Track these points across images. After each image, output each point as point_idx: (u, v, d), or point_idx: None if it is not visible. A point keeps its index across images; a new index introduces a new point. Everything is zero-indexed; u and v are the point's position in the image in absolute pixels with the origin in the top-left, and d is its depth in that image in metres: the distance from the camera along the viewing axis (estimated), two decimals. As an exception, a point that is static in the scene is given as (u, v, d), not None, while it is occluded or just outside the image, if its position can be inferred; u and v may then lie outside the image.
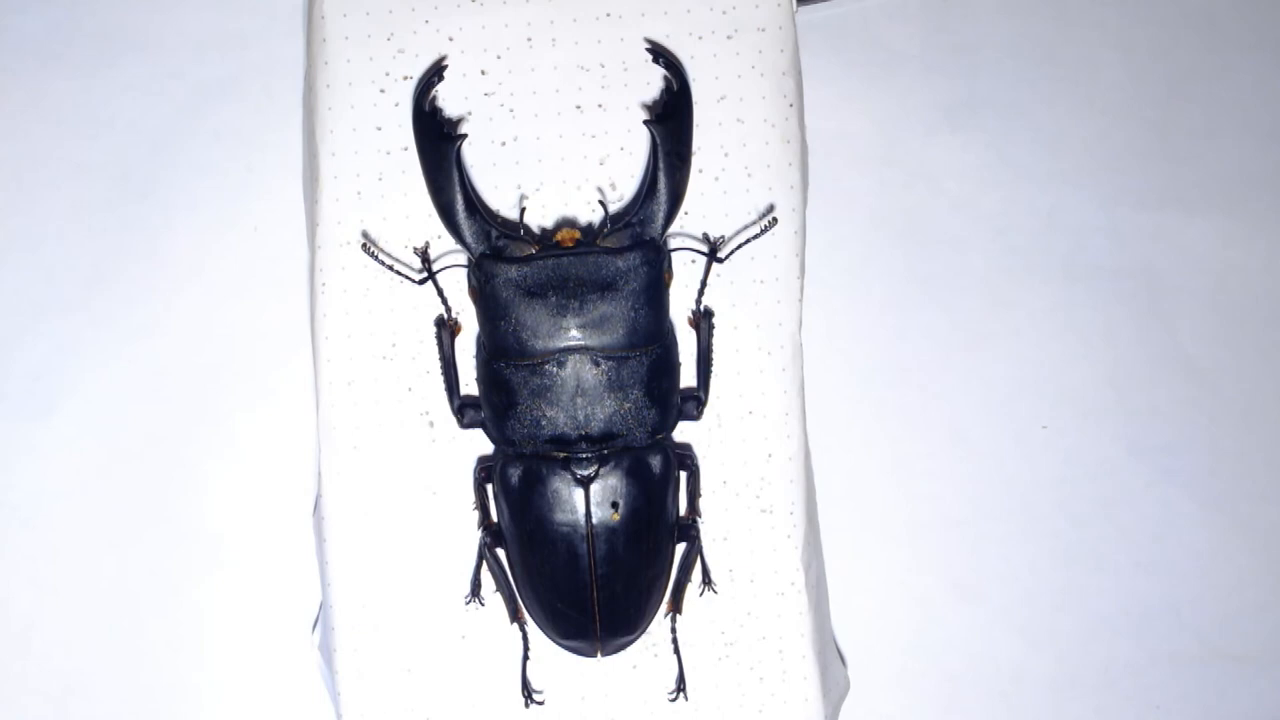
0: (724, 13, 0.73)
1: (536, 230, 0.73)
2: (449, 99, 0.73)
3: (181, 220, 0.83)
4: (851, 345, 0.84)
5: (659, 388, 0.70)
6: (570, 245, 0.70)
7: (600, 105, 0.74)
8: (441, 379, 0.73)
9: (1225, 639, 0.85)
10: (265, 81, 0.84)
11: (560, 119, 0.73)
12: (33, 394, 0.83)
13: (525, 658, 0.74)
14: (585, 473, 0.70)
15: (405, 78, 0.73)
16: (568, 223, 0.73)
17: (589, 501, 0.70)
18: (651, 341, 0.70)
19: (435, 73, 0.73)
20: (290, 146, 0.81)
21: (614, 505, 0.70)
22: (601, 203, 0.72)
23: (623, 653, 0.74)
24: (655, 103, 0.73)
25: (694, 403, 0.72)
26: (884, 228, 0.85)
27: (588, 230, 0.73)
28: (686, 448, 0.74)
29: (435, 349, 0.73)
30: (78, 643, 0.83)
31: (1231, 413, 0.85)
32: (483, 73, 0.73)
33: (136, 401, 0.83)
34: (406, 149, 0.73)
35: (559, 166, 0.73)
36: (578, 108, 0.74)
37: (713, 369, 0.73)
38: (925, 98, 0.85)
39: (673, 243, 0.72)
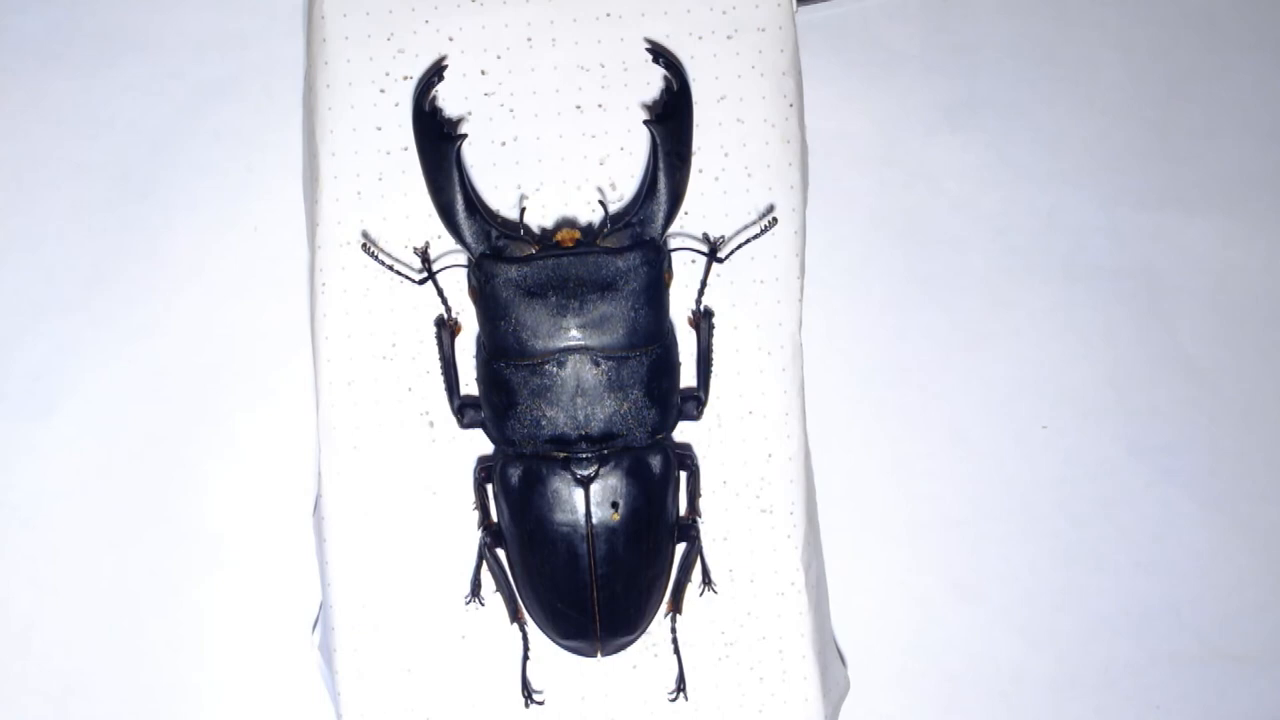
0: (724, 13, 0.73)
1: (536, 230, 0.73)
2: (449, 99, 0.73)
3: (181, 220, 0.83)
4: (851, 345, 0.84)
5: (659, 388, 0.70)
6: (570, 245, 0.70)
7: (600, 105, 0.74)
8: (441, 379, 0.73)
9: (1225, 639, 0.85)
10: (265, 81, 0.84)
11: (560, 119, 0.73)
12: (33, 394, 0.83)
13: (525, 658, 0.74)
14: (585, 473, 0.70)
15: (405, 78, 0.73)
16: (568, 223, 0.73)
17: (589, 501, 0.70)
18: (651, 341, 0.70)
19: (435, 73, 0.73)
20: (290, 146, 0.81)
21: (614, 505, 0.70)
22: (601, 203, 0.72)
23: (623, 653, 0.74)
24: (655, 103, 0.74)
25: (694, 403, 0.72)
26: (884, 228, 0.85)
27: (588, 230, 0.73)
28: (686, 448, 0.74)
29: (435, 349, 0.73)
30: (78, 643, 0.83)
31: (1231, 413, 0.85)
32: (483, 73, 0.73)
33: (136, 401, 0.83)
34: (406, 149, 0.73)
35: (559, 166, 0.73)
36: (578, 108, 0.74)
37: (713, 369, 0.73)
38: (925, 98, 0.85)
39: (673, 243, 0.72)
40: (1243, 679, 0.85)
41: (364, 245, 0.72)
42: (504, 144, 0.73)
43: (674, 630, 0.74)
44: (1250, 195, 0.86)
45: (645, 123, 0.72)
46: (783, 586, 0.75)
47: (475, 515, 0.74)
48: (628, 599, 0.71)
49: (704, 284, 0.72)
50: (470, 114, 0.73)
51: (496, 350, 0.70)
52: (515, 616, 0.74)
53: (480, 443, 0.73)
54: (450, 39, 0.73)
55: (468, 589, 0.74)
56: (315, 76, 0.73)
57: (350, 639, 0.74)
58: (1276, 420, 0.86)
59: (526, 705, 0.74)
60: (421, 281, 0.72)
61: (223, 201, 0.84)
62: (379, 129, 0.73)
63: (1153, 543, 0.85)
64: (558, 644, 0.73)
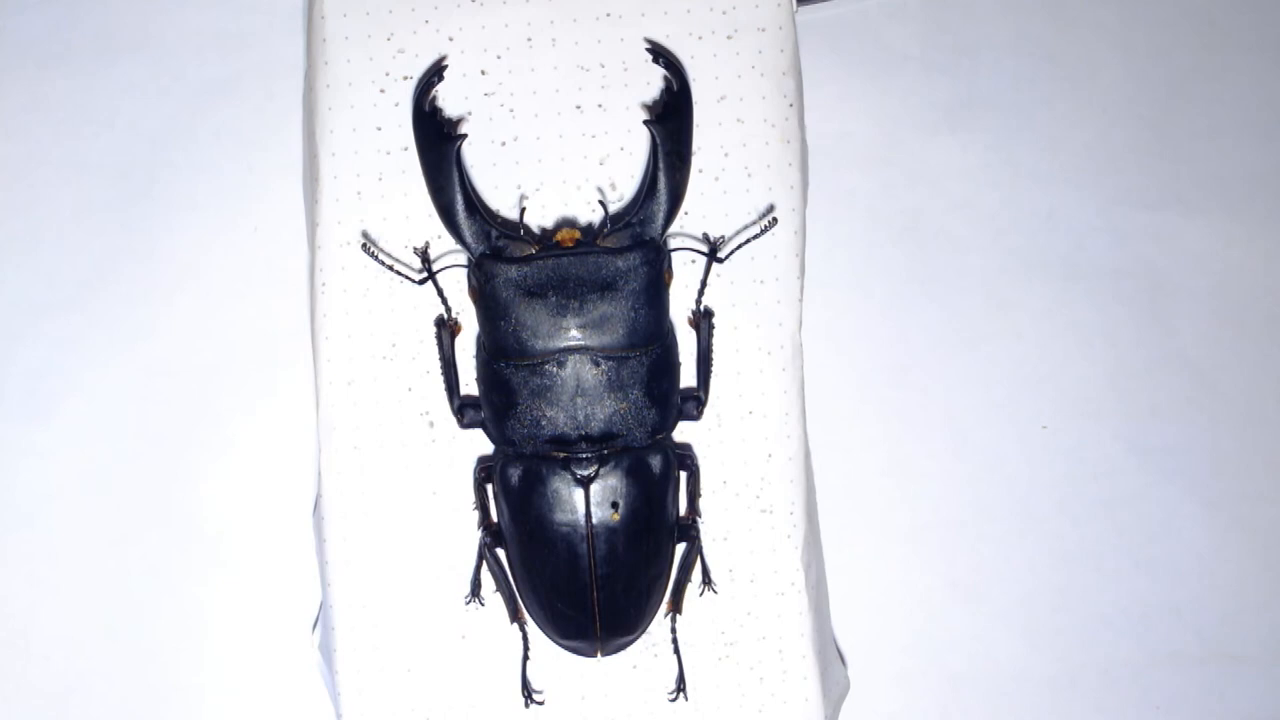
0: (724, 13, 0.73)
1: (536, 230, 0.73)
2: (449, 99, 0.73)
3: (181, 220, 0.83)
4: (851, 345, 0.84)
5: (659, 388, 0.70)
6: (570, 245, 0.70)
7: (600, 105, 0.74)
8: (441, 379, 0.73)
9: (1225, 639, 0.85)
10: (265, 81, 0.84)
11: (560, 119, 0.73)
12: (33, 394, 0.83)
13: (525, 658, 0.74)
14: (585, 473, 0.70)
15: (405, 78, 0.73)
16: (568, 223, 0.73)
17: (589, 501, 0.70)
18: (651, 341, 0.70)
19: (435, 73, 0.73)
20: (290, 146, 0.81)
21: (614, 505, 0.70)
22: (601, 203, 0.72)
23: (623, 653, 0.74)
24: (655, 103, 0.74)
25: (694, 403, 0.72)
26: (884, 228, 0.85)
27: (588, 230, 0.73)
28: (686, 448, 0.74)
29: (435, 349, 0.73)
30: (78, 643, 0.83)
31: (1231, 413, 0.85)
32: (483, 73, 0.73)
33: (136, 401, 0.83)
34: (406, 149, 0.73)
35: (559, 166, 0.73)
36: (578, 108, 0.74)
37: (713, 369, 0.73)
38: (925, 98, 0.85)
39: (673, 243, 0.72)
40: (1243, 679, 0.85)
41: (364, 245, 0.72)
42: (504, 144, 0.73)
43: (674, 630, 0.74)
44: (1250, 195, 0.86)
45: (645, 123, 0.72)
46: (783, 586, 0.75)
47: (475, 515, 0.74)
48: (628, 599, 0.71)
49: (704, 284, 0.72)
50: (470, 114, 0.73)
51: (496, 350, 0.70)
52: (515, 616, 0.74)
53: (480, 443, 0.73)
54: (450, 39, 0.73)
55: (468, 589, 0.74)
56: (315, 76, 0.73)
57: (350, 639, 0.74)
58: (1276, 420, 0.86)
59: (526, 705, 0.74)
60: (421, 281, 0.72)
61: (223, 201, 0.84)
62: (379, 129, 0.73)
63: (1153, 543, 0.85)
64: (558, 644, 0.73)
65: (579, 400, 0.69)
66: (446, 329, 0.73)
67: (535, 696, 0.74)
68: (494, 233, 0.70)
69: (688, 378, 0.73)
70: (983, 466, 0.85)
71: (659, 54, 0.73)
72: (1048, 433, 0.85)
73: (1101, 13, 0.87)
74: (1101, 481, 0.85)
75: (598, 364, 0.69)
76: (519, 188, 0.74)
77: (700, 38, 0.73)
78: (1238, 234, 0.86)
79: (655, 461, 0.71)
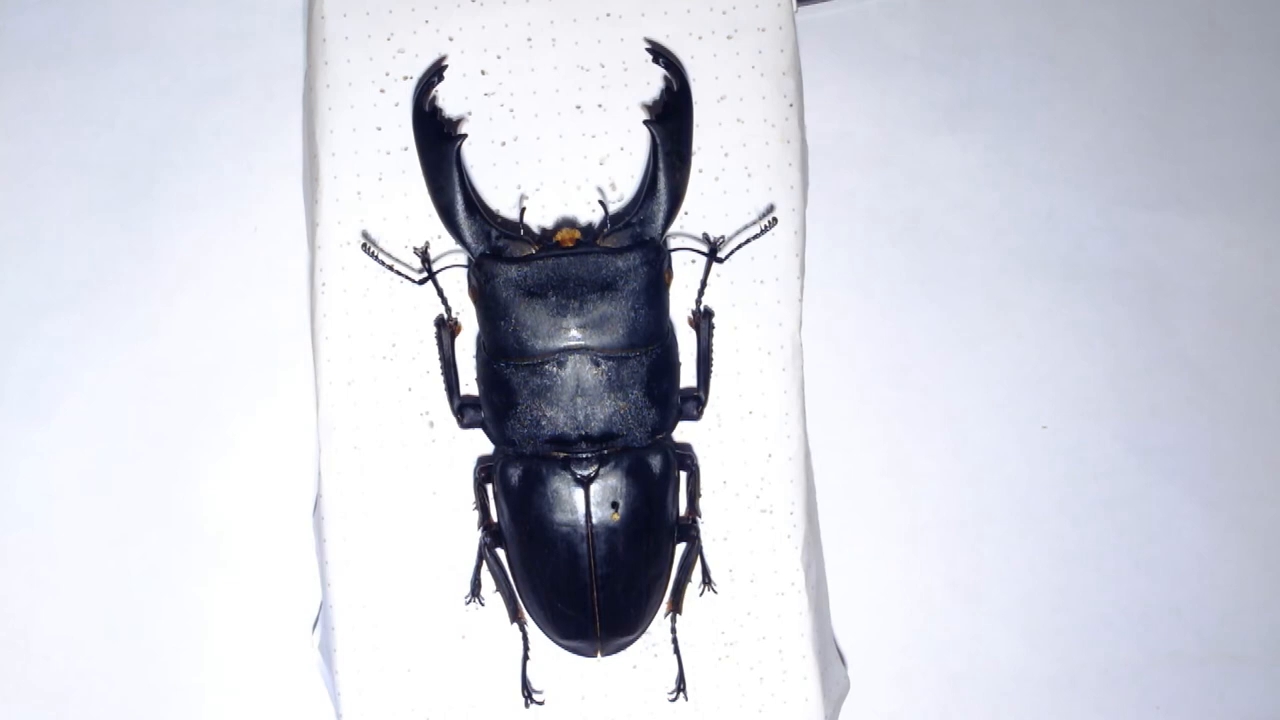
0: (724, 13, 0.73)
1: (536, 230, 0.73)
2: (449, 99, 0.73)
3: (181, 220, 0.83)
4: (851, 345, 0.84)
5: (659, 388, 0.70)
6: (570, 245, 0.70)
7: (600, 105, 0.74)
8: (441, 379, 0.73)
9: (1225, 639, 0.85)
10: (265, 81, 0.84)
11: (560, 119, 0.73)
12: (33, 394, 0.83)
13: (525, 658, 0.74)
14: (585, 473, 0.70)
15: (405, 78, 0.73)
16: (568, 223, 0.73)
17: (589, 501, 0.70)
18: (651, 341, 0.70)
19: (435, 73, 0.73)
20: (290, 146, 0.81)
21: (614, 505, 0.70)
22: (601, 203, 0.72)
23: (623, 653, 0.74)
24: (655, 103, 0.74)
25: (694, 403, 0.72)
26: (884, 228, 0.85)
27: (588, 230, 0.73)
28: (686, 448, 0.74)
29: (435, 349, 0.73)
30: (78, 643, 0.83)
31: (1231, 413, 0.85)
32: (483, 73, 0.73)
33: (136, 401, 0.83)
34: (406, 149, 0.73)
35: (559, 166, 0.73)
36: (578, 108, 0.74)
37: (713, 369, 0.73)
38: (925, 98, 0.85)
39: (673, 243, 0.72)
40: (1243, 679, 0.85)
41: (364, 245, 0.72)
42: (504, 144, 0.73)
43: (674, 630, 0.74)
44: (1250, 195, 0.86)
45: (645, 123, 0.72)
46: (783, 586, 0.75)
47: (475, 515, 0.74)
48: (628, 599, 0.71)
49: (704, 284, 0.72)
50: (470, 114, 0.73)
51: (496, 350, 0.70)
52: (515, 616, 0.74)
53: (480, 443, 0.73)
54: (450, 39, 0.73)
55: (468, 589, 0.74)
56: (315, 76, 0.73)
57: (350, 639, 0.74)
58: (1276, 420, 0.86)
59: (526, 705, 0.74)
60: (421, 281, 0.72)
61: (223, 201, 0.84)
62: (379, 129, 0.73)
63: (1153, 543, 0.85)
64: (558, 644, 0.73)
65: (579, 400, 0.69)
66: (446, 329, 0.73)
67: (535, 696, 0.74)
68: (494, 233, 0.70)
69: (688, 378, 0.73)
70: (983, 466, 0.85)
71: (659, 54, 0.73)
72: (1048, 433, 0.85)
73: (1101, 13, 0.87)
74: (1101, 481, 0.85)
75: (598, 364, 0.69)
76: (519, 188, 0.74)
77: (700, 38, 0.73)
78: (1238, 234, 0.86)
79: (655, 461, 0.71)
